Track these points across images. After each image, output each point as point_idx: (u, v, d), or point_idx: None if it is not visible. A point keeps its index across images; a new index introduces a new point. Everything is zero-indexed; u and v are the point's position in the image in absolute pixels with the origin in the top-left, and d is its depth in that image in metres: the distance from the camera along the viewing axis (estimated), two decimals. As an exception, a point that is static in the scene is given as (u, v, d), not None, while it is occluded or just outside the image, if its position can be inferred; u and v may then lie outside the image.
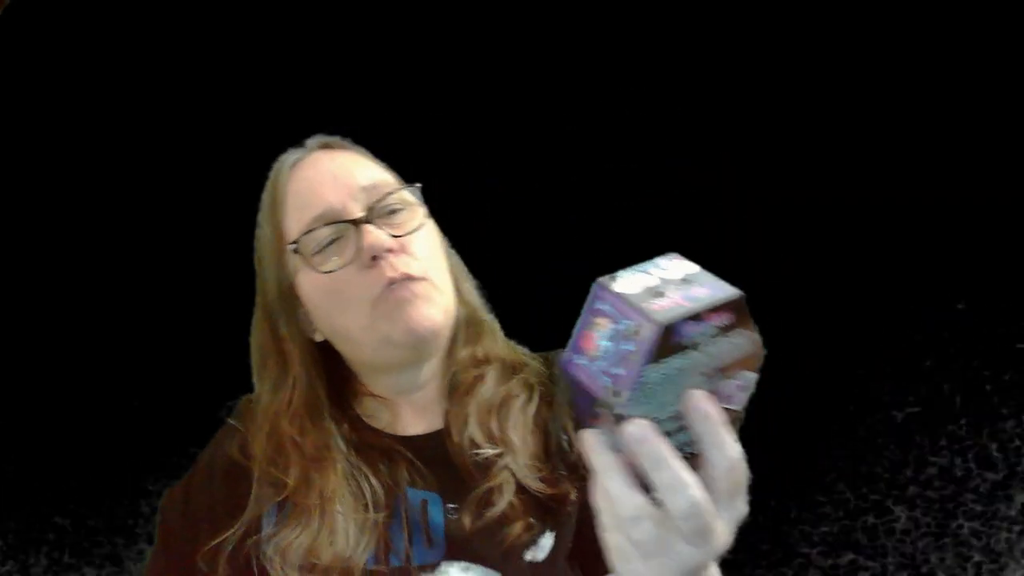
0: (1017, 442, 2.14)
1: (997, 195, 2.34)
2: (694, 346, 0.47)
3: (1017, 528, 2.03)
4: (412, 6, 2.52)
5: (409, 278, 0.80)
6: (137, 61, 2.54)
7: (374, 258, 0.80)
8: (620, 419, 0.47)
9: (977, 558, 2.02)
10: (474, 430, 0.82)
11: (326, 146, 0.89)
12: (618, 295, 0.48)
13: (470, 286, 0.91)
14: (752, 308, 0.49)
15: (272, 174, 0.89)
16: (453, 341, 0.86)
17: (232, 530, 0.81)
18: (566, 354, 0.51)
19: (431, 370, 0.86)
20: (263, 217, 0.88)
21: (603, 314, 0.49)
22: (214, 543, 0.81)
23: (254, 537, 0.80)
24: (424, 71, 2.52)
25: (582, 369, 0.50)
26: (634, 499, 0.48)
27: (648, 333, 0.46)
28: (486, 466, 0.80)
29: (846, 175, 2.44)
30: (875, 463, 2.22)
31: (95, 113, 2.56)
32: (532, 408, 0.84)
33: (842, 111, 2.45)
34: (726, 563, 0.59)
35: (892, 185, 2.41)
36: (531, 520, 0.78)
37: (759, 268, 2.36)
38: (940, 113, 2.37)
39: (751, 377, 0.51)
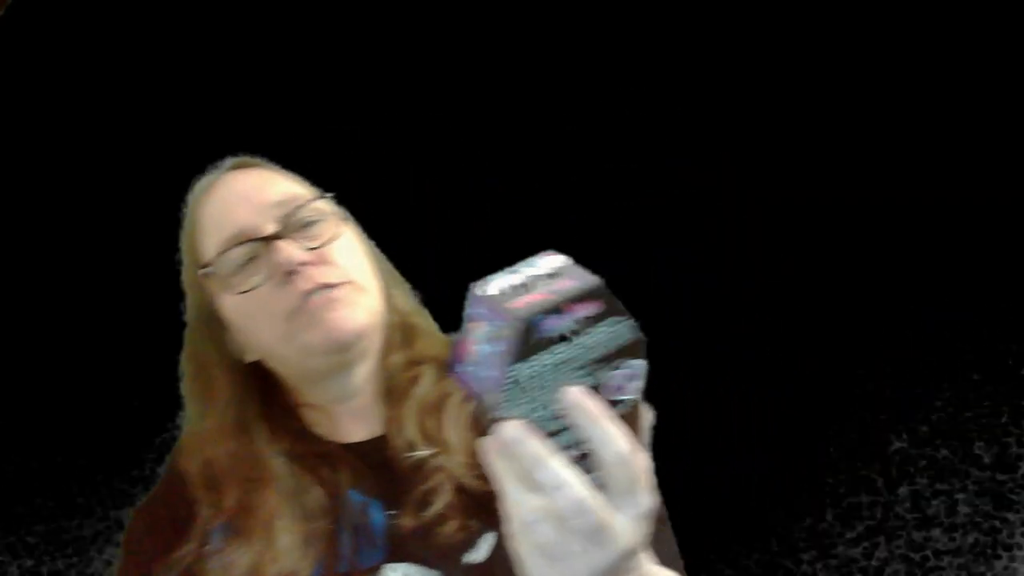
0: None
1: (997, 195, 2.34)
2: (563, 340, 0.47)
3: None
4: (412, 5, 2.52)
5: (327, 287, 0.80)
6: (138, 61, 2.54)
7: (289, 273, 0.80)
8: (496, 422, 0.47)
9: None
10: (412, 432, 0.82)
11: (238, 167, 0.89)
12: (486, 297, 0.48)
13: (402, 289, 0.91)
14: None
15: (188, 200, 0.89)
16: (386, 346, 0.86)
17: (185, 546, 0.81)
18: (452, 363, 0.50)
19: (363, 375, 0.86)
20: (182, 244, 0.89)
21: (477, 319, 0.48)
22: (171, 557, 0.81)
23: (199, 552, 0.80)
24: (424, 71, 2.52)
25: (466, 376, 0.49)
26: (530, 502, 0.47)
27: (510, 331, 0.45)
28: (424, 467, 0.79)
29: (846, 175, 2.44)
30: (873, 463, 2.22)
31: (95, 113, 2.56)
32: (470, 406, 0.84)
33: (842, 111, 2.45)
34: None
35: (892, 185, 2.41)
36: (469, 521, 0.77)
37: (759, 268, 2.36)
38: (940, 113, 2.37)
39: (638, 365, 0.50)
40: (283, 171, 0.90)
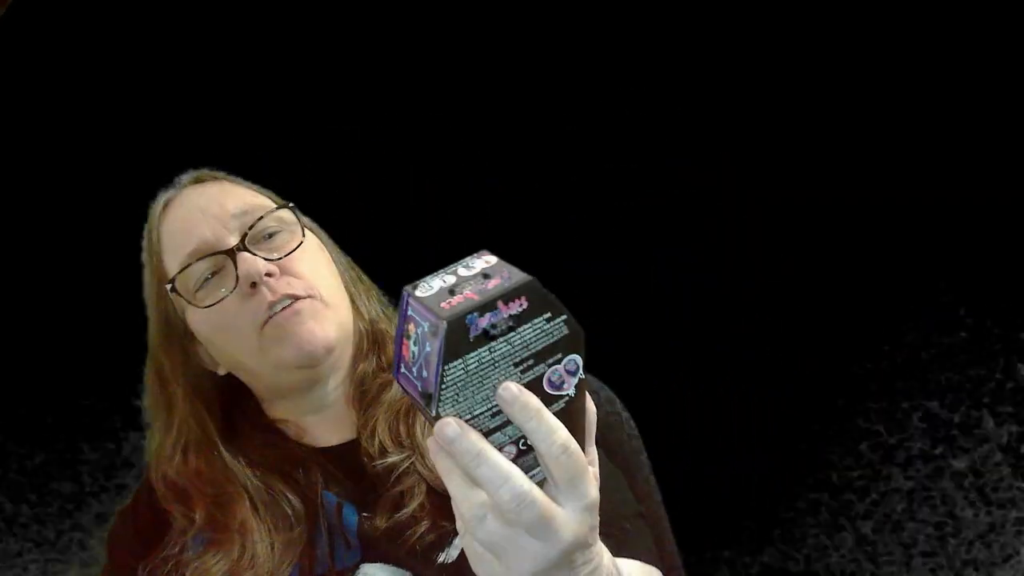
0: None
1: (997, 195, 2.34)
2: (494, 337, 0.47)
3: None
4: (413, 5, 2.52)
5: (292, 298, 0.80)
6: (139, 62, 2.54)
7: (253, 284, 0.80)
8: (435, 421, 0.47)
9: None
10: (383, 436, 0.82)
11: (197, 181, 0.89)
12: (417, 299, 0.48)
13: (370, 295, 0.91)
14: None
15: (148, 217, 0.90)
16: (355, 354, 0.86)
17: (166, 549, 0.82)
18: (393, 367, 0.51)
19: (335, 386, 0.86)
20: (143, 261, 0.89)
21: (411, 320, 0.49)
22: (154, 558, 0.82)
23: (179, 557, 0.81)
24: (423, 71, 2.52)
25: (405, 379, 0.50)
26: (474, 498, 0.47)
27: (438, 331, 0.46)
28: (396, 471, 0.80)
29: (846, 175, 2.44)
30: (872, 459, 2.22)
31: (95, 113, 2.56)
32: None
33: (841, 111, 2.45)
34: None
35: (891, 185, 2.41)
36: (442, 522, 0.77)
37: (759, 268, 2.37)
38: (940, 113, 2.37)
39: (576, 359, 0.50)
40: (243, 182, 0.90)
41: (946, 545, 2.06)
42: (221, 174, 0.91)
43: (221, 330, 0.83)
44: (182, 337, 0.86)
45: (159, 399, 0.88)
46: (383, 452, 0.81)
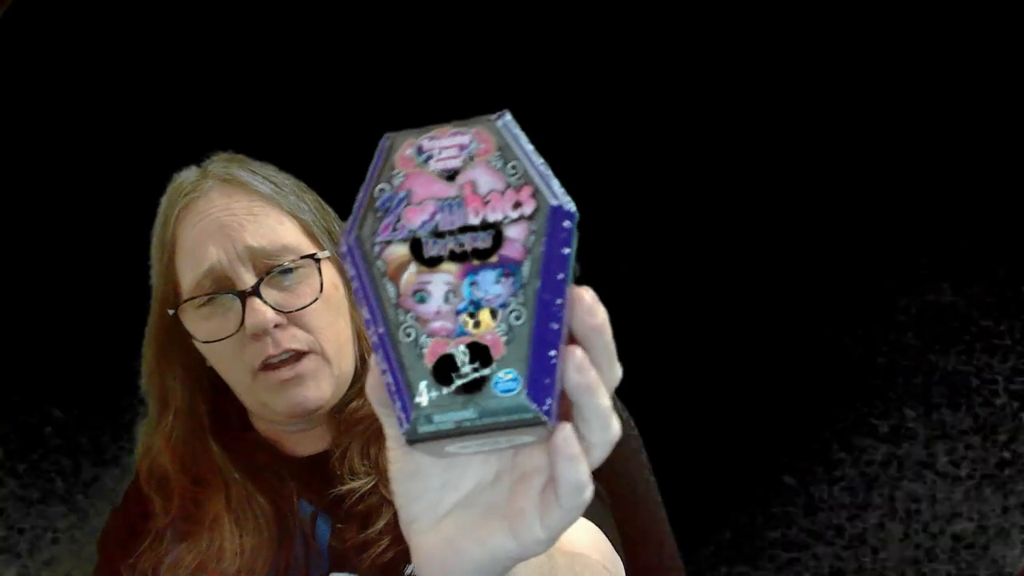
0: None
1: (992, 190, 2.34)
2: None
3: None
4: (414, 5, 2.52)
5: (293, 353, 0.79)
6: (139, 61, 2.54)
7: (257, 335, 0.79)
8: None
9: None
10: (353, 457, 0.82)
11: (225, 180, 0.84)
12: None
13: None
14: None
15: (163, 204, 0.86)
16: (348, 392, 0.86)
17: (144, 546, 0.84)
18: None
19: (319, 418, 0.86)
20: (153, 253, 0.86)
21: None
22: (135, 557, 0.84)
23: (153, 555, 0.83)
24: (424, 72, 2.52)
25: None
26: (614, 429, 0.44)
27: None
28: (363, 491, 0.80)
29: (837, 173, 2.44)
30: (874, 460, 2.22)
31: (96, 113, 2.56)
32: None
33: (837, 111, 2.45)
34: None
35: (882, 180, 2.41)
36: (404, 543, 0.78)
37: (760, 268, 2.37)
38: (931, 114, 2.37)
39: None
40: (277, 195, 0.85)
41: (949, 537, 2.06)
42: (255, 181, 0.84)
43: (219, 358, 0.83)
44: (183, 332, 0.86)
45: (156, 383, 0.88)
46: (352, 473, 0.81)
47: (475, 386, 0.34)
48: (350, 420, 0.84)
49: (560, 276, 0.36)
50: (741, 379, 2.25)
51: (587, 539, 0.71)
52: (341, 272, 0.85)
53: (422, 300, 0.35)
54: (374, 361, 0.37)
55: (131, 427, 0.91)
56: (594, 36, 2.53)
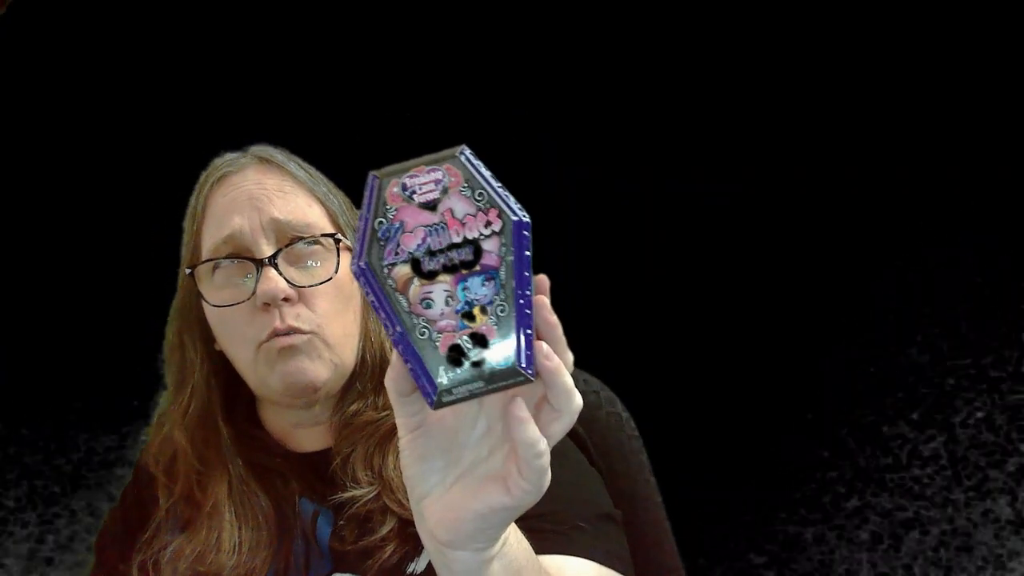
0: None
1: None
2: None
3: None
4: (415, 5, 2.52)
5: (296, 331, 0.79)
6: (140, 62, 2.54)
7: (267, 304, 0.79)
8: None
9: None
10: (356, 465, 0.82)
11: (262, 160, 0.86)
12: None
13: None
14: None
15: (201, 178, 0.88)
16: (348, 389, 0.85)
17: (144, 538, 0.84)
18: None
19: (322, 411, 0.86)
20: (185, 222, 0.88)
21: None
22: (134, 554, 0.84)
23: (154, 546, 0.83)
24: (424, 72, 2.52)
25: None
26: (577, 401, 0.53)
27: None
28: (364, 498, 0.80)
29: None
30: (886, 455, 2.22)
31: (96, 113, 2.56)
32: None
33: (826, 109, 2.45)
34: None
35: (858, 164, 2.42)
36: (407, 545, 0.78)
37: (761, 268, 2.37)
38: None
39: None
40: (309, 180, 0.86)
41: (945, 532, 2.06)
42: (291, 165, 0.87)
43: (225, 326, 0.83)
44: (199, 308, 0.86)
45: (175, 359, 0.88)
46: (355, 481, 0.80)
47: (479, 364, 0.47)
48: (353, 424, 0.83)
49: (526, 273, 0.48)
50: (741, 379, 2.26)
51: None
52: None
53: (428, 306, 0.48)
54: (396, 356, 0.48)
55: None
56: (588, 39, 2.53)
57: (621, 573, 0.75)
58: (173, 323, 0.88)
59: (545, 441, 0.49)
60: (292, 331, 0.79)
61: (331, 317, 0.82)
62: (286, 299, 0.79)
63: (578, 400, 0.49)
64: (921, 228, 2.39)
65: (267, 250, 0.81)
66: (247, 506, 0.81)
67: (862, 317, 2.40)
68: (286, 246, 0.81)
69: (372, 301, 0.48)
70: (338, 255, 0.83)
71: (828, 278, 2.40)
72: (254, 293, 0.80)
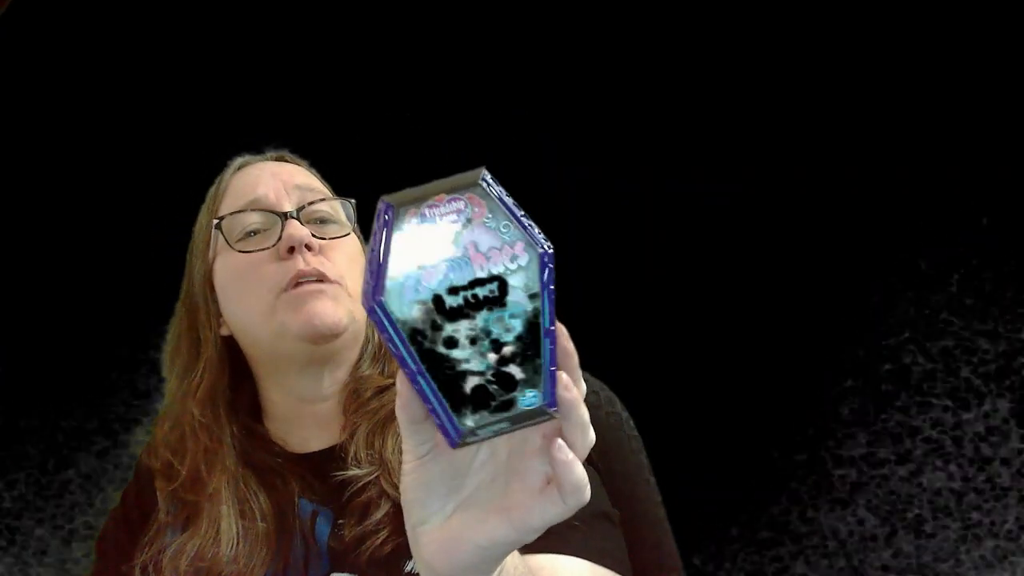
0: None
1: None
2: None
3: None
4: (416, 6, 2.52)
5: (321, 276, 0.82)
6: (140, 62, 2.54)
7: (291, 250, 0.81)
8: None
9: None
10: (359, 445, 0.83)
11: (279, 158, 0.94)
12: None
13: None
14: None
15: (221, 175, 0.94)
16: (360, 356, 0.87)
17: (147, 538, 0.85)
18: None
19: (332, 381, 0.87)
20: (203, 208, 0.93)
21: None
22: (136, 554, 0.85)
23: (156, 546, 0.84)
24: (424, 72, 2.52)
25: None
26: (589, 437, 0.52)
27: None
28: (362, 481, 0.81)
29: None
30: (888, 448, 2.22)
31: (96, 114, 2.56)
32: None
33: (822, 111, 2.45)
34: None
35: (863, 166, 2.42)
36: (402, 536, 0.78)
37: (762, 268, 2.37)
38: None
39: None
40: (321, 178, 0.94)
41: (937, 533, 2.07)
42: (306, 165, 0.96)
43: (242, 280, 0.85)
44: (212, 286, 0.88)
45: (187, 341, 0.89)
46: (355, 460, 0.82)
47: (506, 406, 0.45)
48: (362, 400, 0.85)
49: (550, 308, 0.45)
50: (742, 379, 2.26)
51: None
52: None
53: (452, 345, 0.45)
54: (402, 381, 0.46)
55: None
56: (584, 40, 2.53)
57: (616, 572, 0.75)
58: (180, 313, 0.91)
59: (587, 478, 0.46)
60: (319, 277, 0.82)
61: (351, 272, 0.86)
62: (309, 247, 0.83)
63: (591, 436, 0.47)
64: (921, 228, 2.39)
65: (289, 207, 0.87)
66: (245, 501, 0.82)
67: (863, 317, 2.40)
68: (308, 204, 0.87)
69: (386, 339, 0.44)
70: (352, 220, 0.91)
71: (828, 278, 2.40)
72: (279, 239, 0.83)
